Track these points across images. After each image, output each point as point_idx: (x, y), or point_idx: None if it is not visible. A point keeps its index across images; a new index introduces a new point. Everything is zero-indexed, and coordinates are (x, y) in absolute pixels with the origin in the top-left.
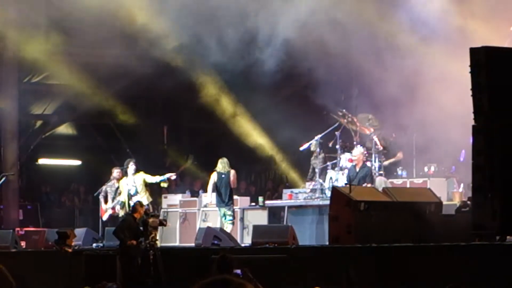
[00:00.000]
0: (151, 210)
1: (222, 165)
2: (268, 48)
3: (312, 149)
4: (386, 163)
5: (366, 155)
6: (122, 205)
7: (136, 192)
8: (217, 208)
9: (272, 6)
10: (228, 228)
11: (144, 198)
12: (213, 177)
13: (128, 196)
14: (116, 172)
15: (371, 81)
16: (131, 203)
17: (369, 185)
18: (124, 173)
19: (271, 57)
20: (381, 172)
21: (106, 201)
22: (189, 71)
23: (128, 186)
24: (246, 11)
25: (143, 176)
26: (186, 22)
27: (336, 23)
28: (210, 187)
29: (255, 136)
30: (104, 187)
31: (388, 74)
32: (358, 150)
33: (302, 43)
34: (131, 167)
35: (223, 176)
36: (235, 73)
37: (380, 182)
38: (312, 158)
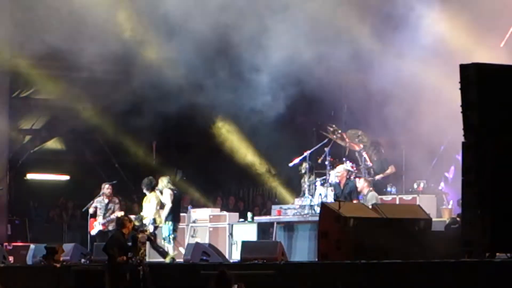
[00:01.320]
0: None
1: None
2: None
3: (302, 171)
4: (378, 177)
5: (355, 170)
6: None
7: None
8: (205, 224)
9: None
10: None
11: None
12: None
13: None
14: (106, 188)
15: (360, 97)
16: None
17: (355, 200)
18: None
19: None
20: (370, 188)
21: (95, 217)
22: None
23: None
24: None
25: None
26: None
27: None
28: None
29: (245, 152)
30: (93, 203)
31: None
32: (341, 167)
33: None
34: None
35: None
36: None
37: (372, 197)
38: (302, 180)
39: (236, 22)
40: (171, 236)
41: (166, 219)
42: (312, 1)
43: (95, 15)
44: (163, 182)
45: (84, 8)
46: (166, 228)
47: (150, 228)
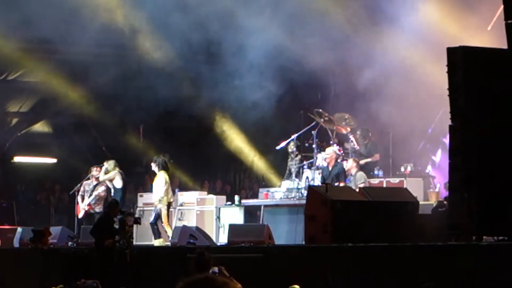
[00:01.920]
0: None
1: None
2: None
3: (289, 150)
4: (362, 162)
5: (342, 154)
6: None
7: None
8: (192, 207)
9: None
10: None
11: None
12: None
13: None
14: (94, 170)
15: (347, 79)
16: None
17: (342, 183)
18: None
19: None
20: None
21: (83, 200)
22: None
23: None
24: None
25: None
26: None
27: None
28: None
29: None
30: (82, 185)
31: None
32: (331, 149)
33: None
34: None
35: None
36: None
37: (361, 176)
38: (289, 159)
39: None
40: None
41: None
42: None
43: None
44: (111, 165)
45: None
46: None
47: (159, 207)
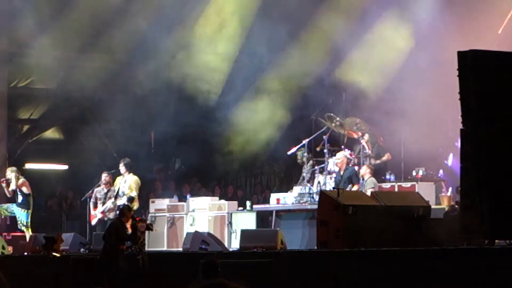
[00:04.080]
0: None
1: None
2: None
3: (298, 161)
4: (373, 162)
5: (354, 159)
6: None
7: (123, 194)
8: (204, 213)
9: None
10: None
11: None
12: None
13: (116, 196)
14: (104, 176)
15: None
16: (119, 203)
17: (355, 186)
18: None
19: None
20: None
21: (95, 207)
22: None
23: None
24: None
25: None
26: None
27: None
28: None
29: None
30: (93, 192)
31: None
32: (342, 154)
33: None
34: (121, 167)
35: None
36: None
37: (371, 182)
38: (303, 167)
39: None
40: (28, 223)
41: (27, 207)
42: None
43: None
44: (14, 171)
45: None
46: (24, 215)
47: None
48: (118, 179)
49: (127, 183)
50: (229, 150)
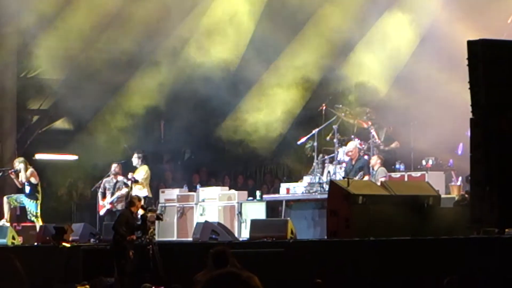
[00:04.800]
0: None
1: None
2: None
3: (307, 153)
4: (382, 147)
5: (364, 148)
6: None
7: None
8: (214, 203)
9: None
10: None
11: (144, 190)
12: None
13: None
14: (114, 167)
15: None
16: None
17: (366, 177)
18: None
19: None
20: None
21: (104, 197)
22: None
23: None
24: None
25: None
26: None
27: None
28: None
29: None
30: (102, 183)
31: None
32: (353, 144)
33: None
34: (134, 158)
35: None
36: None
37: (381, 171)
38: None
39: None
40: (38, 213)
41: (36, 197)
42: None
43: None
44: (22, 161)
45: None
46: (33, 205)
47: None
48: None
49: (137, 173)
50: (239, 139)
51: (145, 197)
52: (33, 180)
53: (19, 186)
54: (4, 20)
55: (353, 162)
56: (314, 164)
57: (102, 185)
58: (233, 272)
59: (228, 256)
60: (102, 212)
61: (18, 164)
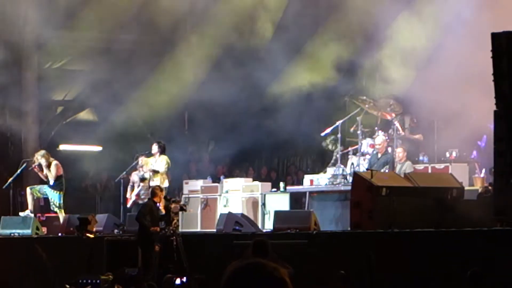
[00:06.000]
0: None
1: None
2: None
3: (330, 148)
4: (406, 134)
5: (388, 140)
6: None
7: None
8: (238, 194)
9: None
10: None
11: (165, 181)
12: None
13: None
14: (140, 159)
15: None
16: (151, 184)
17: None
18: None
19: None
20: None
21: (132, 190)
22: None
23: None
24: None
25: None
26: None
27: None
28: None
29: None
30: (131, 176)
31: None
32: (381, 138)
33: None
34: (153, 147)
35: None
36: None
37: (409, 166)
38: (334, 150)
39: None
40: (61, 204)
41: (59, 188)
42: None
43: None
44: (42, 155)
45: None
46: (57, 196)
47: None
48: (150, 160)
49: (158, 163)
50: (264, 131)
51: (166, 188)
52: (56, 171)
53: (45, 179)
54: (27, 11)
55: (379, 156)
56: (335, 155)
57: (131, 179)
58: (259, 263)
59: (268, 247)
60: (129, 204)
61: (40, 158)
